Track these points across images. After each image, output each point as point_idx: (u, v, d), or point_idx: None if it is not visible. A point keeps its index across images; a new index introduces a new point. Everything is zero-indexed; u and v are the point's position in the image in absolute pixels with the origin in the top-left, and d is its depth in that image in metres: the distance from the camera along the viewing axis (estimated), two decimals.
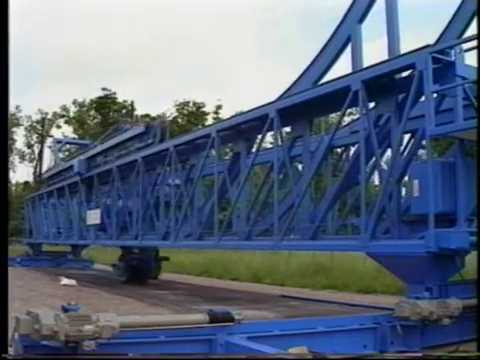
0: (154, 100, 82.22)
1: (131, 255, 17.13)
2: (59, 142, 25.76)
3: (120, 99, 53.76)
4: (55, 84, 76.09)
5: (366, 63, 8.79)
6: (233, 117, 12.17)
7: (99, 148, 18.70)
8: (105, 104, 53.45)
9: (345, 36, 9.27)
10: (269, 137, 16.82)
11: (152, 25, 75.76)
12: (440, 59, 7.18)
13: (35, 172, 55.42)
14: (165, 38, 79.84)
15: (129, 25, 76.61)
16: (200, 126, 40.02)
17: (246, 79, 77.60)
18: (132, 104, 53.58)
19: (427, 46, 7.33)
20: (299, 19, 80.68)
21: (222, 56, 76.57)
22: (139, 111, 53.95)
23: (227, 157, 13.92)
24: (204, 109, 54.02)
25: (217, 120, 42.30)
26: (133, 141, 15.96)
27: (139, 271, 17.02)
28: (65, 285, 15.23)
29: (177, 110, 54.19)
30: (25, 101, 78.18)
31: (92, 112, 56.00)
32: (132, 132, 16.05)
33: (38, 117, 56.72)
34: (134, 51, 75.83)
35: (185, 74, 75.35)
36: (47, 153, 47.57)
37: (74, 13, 74.63)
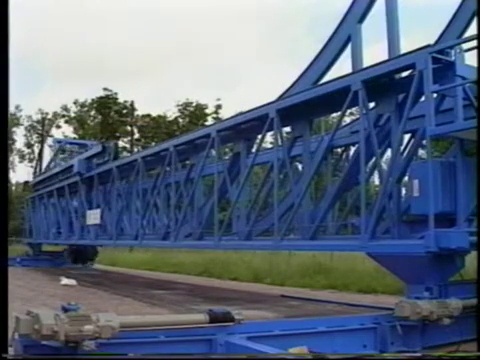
0: (160, 101, 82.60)
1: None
2: (59, 142, 25.78)
3: (121, 99, 53.79)
4: (58, 85, 76.28)
5: (366, 65, 8.78)
6: (233, 117, 12.15)
7: (57, 169, 22.52)
8: (106, 104, 53.40)
9: (345, 36, 9.27)
10: (269, 137, 16.83)
11: (158, 26, 75.86)
12: (440, 59, 7.18)
13: (35, 172, 55.41)
14: (170, 39, 79.94)
15: (133, 26, 76.70)
16: (200, 126, 39.99)
17: (252, 80, 77.64)
18: (132, 104, 53.58)
19: (427, 46, 7.33)
20: (307, 20, 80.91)
21: (228, 57, 76.57)
22: (141, 111, 54.12)
23: (227, 157, 13.93)
24: (207, 110, 54.10)
25: (217, 120, 42.32)
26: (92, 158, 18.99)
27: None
28: (65, 285, 15.23)
29: (179, 110, 54.22)
30: (26, 101, 78.10)
31: (93, 112, 55.97)
32: (91, 151, 19.32)
33: (38, 117, 56.83)
34: (138, 52, 75.79)
35: (190, 75, 75.40)
36: (47, 153, 47.64)
37: (78, 14, 74.80)
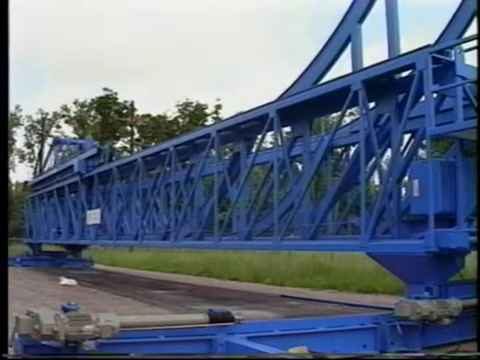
0: (160, 101, 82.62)
1: None
2: (58, 142, 25.79)
3: (121, 99, 53.80)
4: (58, 85, 76.25)
5: (366, 65, 8.78)
6: (233, 117, 12.15)
7: (55, 170, 22.80)
8: (106, 104, 53.40)
9: (345, 36, 9.27)
10: (269, 137, 16.84)
11: (158, 26, 75.88)
12: (440, 59, 7.18)
13: (35, 172, 55.43)
14: (170, 39, 79.91)
15: (133, 26, 76.67)
16: (200, 126, 40.03)
17: (252, 80, 77.65)
18: (132, 104, 53.58)
19: (427, 46, 7.33)
20: (307, 20, 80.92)
21: (228, 57, 76.58)
22: (141, 111, 54.12)
23: (227, 157, 13.94)
24: (207, 110, 54.13)
25: (217, 120, 42.31)
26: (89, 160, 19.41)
27: None
28: (65, 285, 15.23)
29: (179, 110, 54.24)
30: (26, 101, 78.09)
31: (93, 112, 55.96)
32: (87, 154, 19.52)
33: (38, 117, 56.82)
34: (138, 52, 75.79)
35: (190, 75, 75.35)
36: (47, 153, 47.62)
37: (78, 14, 74.80)
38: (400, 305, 6.45)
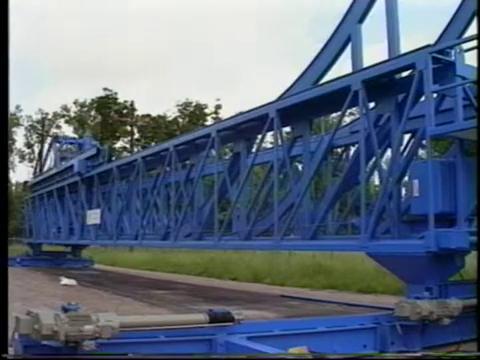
0: (160, 101, 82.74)
1: None
2: (58, 141, 25.77)
3: (121, 99, 53.78)
4: (58, 85, 76.22)
5: (366, 65, 8.78)
6: (233, 117, 12.16)
7: (55, 170, 23.04)
8: (106, 104, 53.38)
9: (345, 36, 9.27)
10: (269, 137, 16.84)
11: (158, 26, 76.01)
12: (440, 59, 7.18)
13: (35, 172, 55.41)
14: (170, 39, 79.92)
15: (133, 26, 76.71)
16: (200, 126, 40.01)
17: (252, 80, 77.65)
18: (132, 104, 53.57)
19: (427, 46, 7.34)
20: (307, 20, 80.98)
21: (228, 57, 76.60)
22: (141, 111, 54.11)
23: (227, 157, 13.94)
24: (206, 110, 54.15)
25: (217, 120, 42.31)
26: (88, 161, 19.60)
27: None
28: (65, 285, 15.23)
29: (179, 110, 54.24)
30: (26, 101, 78.09)
31: (93, 112, 55.94)
32: (87, 153, 19.73)
33: (38, 117, 56.81)
34: (138, 52, 75.81)
35: (190, 75, 75.36)
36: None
37: (78, 15, 74.88)
38: (400, 305, 6.45)
